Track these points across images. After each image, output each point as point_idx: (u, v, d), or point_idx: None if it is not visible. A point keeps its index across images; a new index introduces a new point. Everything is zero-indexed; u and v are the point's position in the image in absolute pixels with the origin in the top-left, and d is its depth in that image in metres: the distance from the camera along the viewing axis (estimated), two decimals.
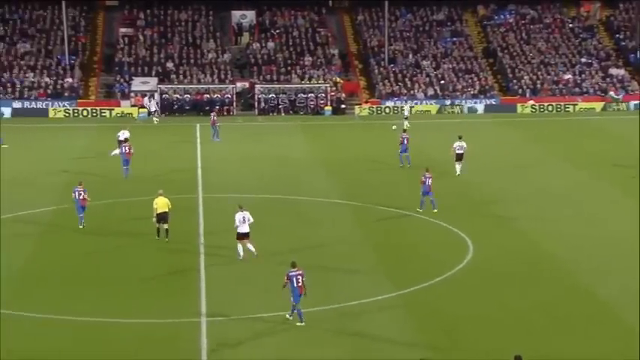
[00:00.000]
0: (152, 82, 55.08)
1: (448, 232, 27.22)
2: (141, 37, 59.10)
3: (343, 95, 56.70)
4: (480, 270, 23.40)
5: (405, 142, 36.88)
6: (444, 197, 31.99)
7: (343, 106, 56.11)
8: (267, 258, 24.10)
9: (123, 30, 59.74)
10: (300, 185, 33.81)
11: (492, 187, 33.60)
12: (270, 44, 60.00)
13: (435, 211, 28.92)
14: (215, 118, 45.14)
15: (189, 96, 54.71)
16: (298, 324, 19.37)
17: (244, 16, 61.43)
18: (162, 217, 25.47)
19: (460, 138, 35.45)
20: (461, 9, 64.70)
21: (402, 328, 19.49)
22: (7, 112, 52.49)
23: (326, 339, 18.89)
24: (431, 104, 57.13)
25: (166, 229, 25.55)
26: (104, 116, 52.69)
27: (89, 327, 19.23)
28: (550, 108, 56.49)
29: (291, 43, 60.44)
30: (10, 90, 53.74)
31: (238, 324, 19.51)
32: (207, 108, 53.15)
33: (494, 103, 57.70)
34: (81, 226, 27.05)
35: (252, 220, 23.90)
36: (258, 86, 55.56)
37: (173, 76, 56.32)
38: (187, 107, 54.33)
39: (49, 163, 37.56)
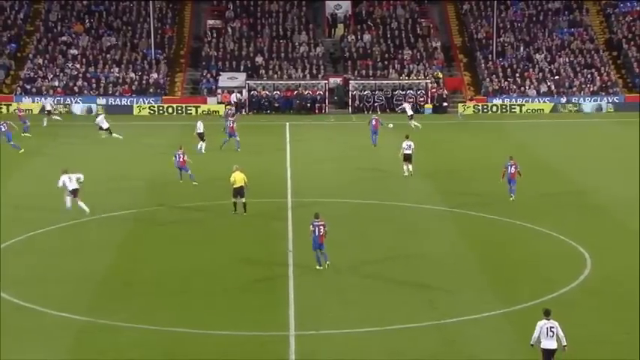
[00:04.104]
0: (240, 78, 56.25)
1: (563, 244, 26.57)
2: (229, 30, 60.47)
3: (445, 92, 56.24)
4: (598, 289, 22.72)
5: (374, 122, 42.02)
6: (558, 205, 31.29)
7: (445, 104, 55.66)
8: (360, 268, 24.19)
9: (210, 22, 61.26)
10: (396, 190, 33.74)
11: (614, 195, 32.56)
12: (367, 36, 60.18)
13: (512, 199, 30.89)
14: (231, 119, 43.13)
15: (278, 93, 55.57)
16: (317, 267, 23.55)
17: (339, 7, 61.87)
18: (239, 192, 28.50)
19: (407, 137, 35.82)
20: None
21: (507, 348, 19.18)
22: (90, 109, 54.77)
23: (424, 358, 18.81)
24: (544, 102, 55.95)
25: (244, 203, 28.53)
26: (190, 113, 54.17)
27: (173, 337, 19.77)
28: None
29: (389, 36, 60.44)
30: (95, 86, 56.06)
31: (328, 339, 19.67)
32: (298, 103, 54.02)
33: (617, 101, 55.88)
34: (181, 181, 33.25)
35: (81, 177, 28.89)
36: (352, 82, 55.82)
37: (262, 71, 57.33)
38: (277, 105, 55.19)
39: (132, 164, 38.92)
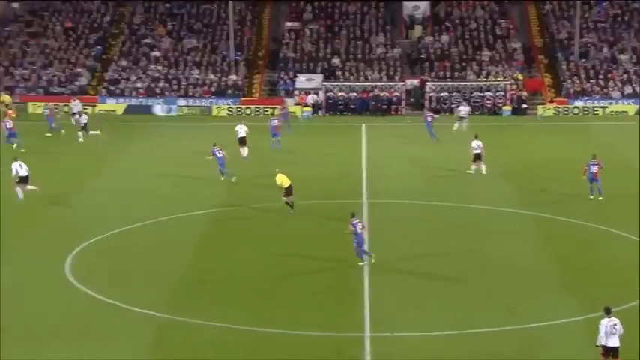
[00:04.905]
0: (317, 79, 56.54)
1: None
2: (307, 32, 60.88)
3: (525, 94, 55.26)
4: None
5: (429, 119, 44.19)
6: (637, 208, 30.39)
7: (524, 105, 54.68)
8: (435, 271, 24.03)
9: (289, 24, 61.76)
10: (473, 192, 33.38)
11: None
12: (445, 37, 59.67)
13: (600, 198, 31.02)
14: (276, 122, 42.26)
15: (355, 94, 55.65)
16: (360, 263, 24.05)
17: (417, 8, 61.51)
18: (289, 192, 29.62)
19: (477, 137, 35.88)
20: None
21: (587, 355, 18.72)
22: (171, 110, 55.85)
23: None
24: (628, 104, 54.34)
25: (292, 202, 29.63)
26: (267, 115, 54.72)
27: (248, 336, 20.00)
28: None
29: (467, 37, 59.79)
30: (175, 87, 57.26)
31: (403, 342, 19.59)
32: (375, 104, 54.05)
33: None
34: (233, 179, 34.12)
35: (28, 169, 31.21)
36: (429, 83, 55.43)
37: (339, 72, 57.51)
38: (353, 106, 55.28)
39: (206, 164, 39.50)
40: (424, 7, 61.34)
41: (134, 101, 56.04)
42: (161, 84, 57.37)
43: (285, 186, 29.76)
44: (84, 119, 45.05)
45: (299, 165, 37.87)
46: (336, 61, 58.22)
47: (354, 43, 59.68)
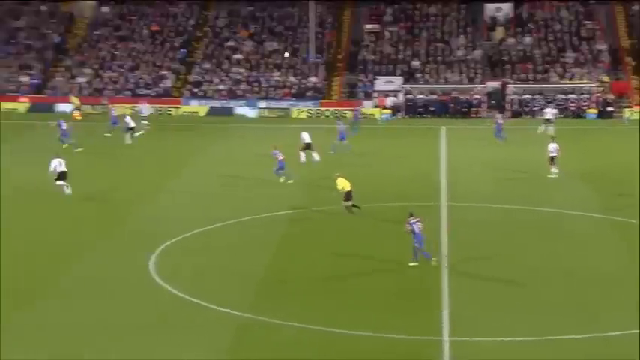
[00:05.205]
0: (396, 82, 56.46)
1: None
2: (387, 34, 60.82)
3: (611, 96, 53.89)
4: None
5: (500, 121, 44.52)
6: None
7: (610, 108, 53.33)
8: (514, 276, 23.70)
9: (369, 26, 61.86)
10: (554, 196, 32.78)
11: None
12: (527, 39, 58.69)
13: None
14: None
15: (434, 96, 55.30)
16: (434, 263, 24.08)
17: (500, 9, 60.71)
18: (349, 196, 29.72)
19: (553, 139, 36.75)
20: None
21: None
22: (252, 112, 56.63)
23: None
24: None
25: (354, 205, 29.75)
26: (345, 117, 54.90)
27: (326, 337, 20.10)
28: None
29: (551, 38, 58.64)
30: (257, 89, 58.11)
31: (482, 347, 19.39)
32: (453, 106, 53.61)
33: None
34: (282, 180, 34.60)
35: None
36: (510, 86, 54.62)
37: (419, 74, 57.25)
38: (432, 108, 54.94)
39: (288, 166, 39.90)
40: (507, 9, 60.49)
41: (216, 103, 57.08)
42: (243, 86, 58.30)
43: (347, 190, 29.75)
44: (129, 122, 45.15)
45: (373, 167, 37.96)
46: (415, 63, 57.98)
47: (434, 46, 59.30)
